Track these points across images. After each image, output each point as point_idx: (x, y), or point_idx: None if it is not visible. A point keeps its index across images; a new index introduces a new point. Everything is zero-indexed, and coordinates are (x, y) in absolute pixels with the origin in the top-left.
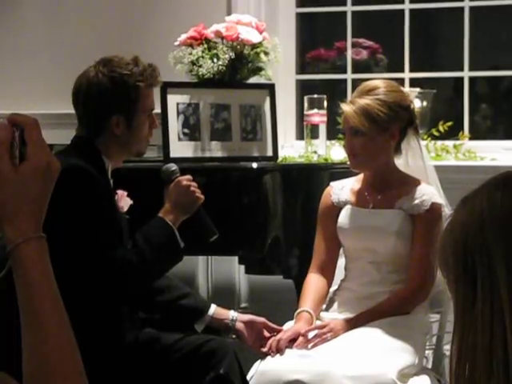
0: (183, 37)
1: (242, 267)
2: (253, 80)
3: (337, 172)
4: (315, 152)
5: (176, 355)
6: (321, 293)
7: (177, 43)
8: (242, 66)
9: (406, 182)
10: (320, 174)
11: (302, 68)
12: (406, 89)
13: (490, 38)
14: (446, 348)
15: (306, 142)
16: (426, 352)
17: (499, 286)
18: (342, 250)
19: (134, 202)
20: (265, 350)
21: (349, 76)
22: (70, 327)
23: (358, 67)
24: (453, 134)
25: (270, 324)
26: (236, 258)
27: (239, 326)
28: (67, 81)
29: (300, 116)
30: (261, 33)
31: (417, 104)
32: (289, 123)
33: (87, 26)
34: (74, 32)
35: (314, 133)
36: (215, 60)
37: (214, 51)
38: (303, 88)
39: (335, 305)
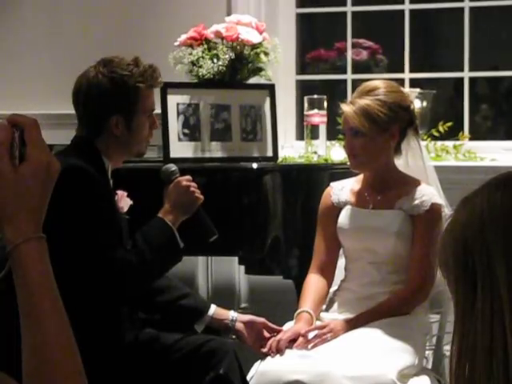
0: (183, 37)
1: (242, 267)
2: (253, 80)
3: (337, 172)
4: (315, 152)
5: (176, 355)
6: (321, 293)
7: (177, 43)
8: (242, 66)
9: (405, 182)
10: (320, 174)
11: (302, 68)
12: (406, 89)
13: (490, 38)
14: (446, 348)
15: (306, 143)
16: (426, 352)
17: (499, 286)
18: (342, 251)
19: (133, 202)
20: (265, 350)
21: (349, 76)
22: (70, 327)
23: (358, 68)
24: (453, 134)
25: (270, 324)
26: (236, 259)
27: (239, 326)
28: (67, 81)
29: (300, 116)
30: (261, 33)
31: (417, 104)
32: (289, 123)
33: (87, 26)
34: (73, 32)
35: (314, 133)
36: (215, 60)
37: (214, 51)
38: (303, 88)
39: (335, 305)
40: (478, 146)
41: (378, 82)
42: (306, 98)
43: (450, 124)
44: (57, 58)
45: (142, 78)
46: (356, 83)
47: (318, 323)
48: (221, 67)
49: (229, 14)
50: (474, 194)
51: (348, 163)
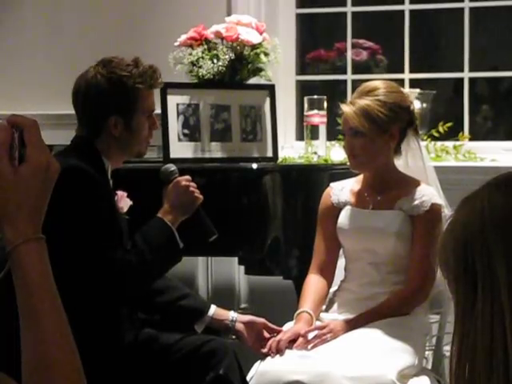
0: (183, 37)
1: (242, 268)
2: (253, 81)
3: (337, 173)
4: (315, 153)
5: (176, 355)
6: (321, 293)
7: (177, 44)
8: (241, 66)
9: (405, 182)
10: (320, 174)
11: (302, 69)
12: (406, 90)
13: (490, 39)
14: (446, 349)
15: (305, 143)
16: (426, 353)
17: (499, 286)
18: (341, 251)
19: (133, 202)
20: (265, 350)
21: (349, 77)
22: (69, 327)
23: (358, 68)
24: (453, 134)
25: (270, 325)
26: (236, 259)
27: (239, 326)
28: (67, 81)
29: (300, 117)
30: (261, 33)
31: (417, 105)
32: (289, 124)
33: (87, 26)
34: (73, 32)
35: (313, 133)
36: (215, 61)
37: (214, 52)
38: (303, 89)
39: (335, 305)
40: (478, 146)
41: (378, 82)
42: (305, 99)
43: (449, 124)
44: (57, 59)
45: (141, 78)
46: (356, 83)
47: (318, 323)
48: (221, 67)
49: (229, 14)
50: (474, 194)
51: (348, 163)
